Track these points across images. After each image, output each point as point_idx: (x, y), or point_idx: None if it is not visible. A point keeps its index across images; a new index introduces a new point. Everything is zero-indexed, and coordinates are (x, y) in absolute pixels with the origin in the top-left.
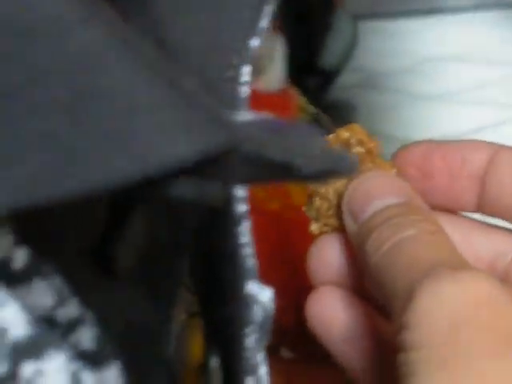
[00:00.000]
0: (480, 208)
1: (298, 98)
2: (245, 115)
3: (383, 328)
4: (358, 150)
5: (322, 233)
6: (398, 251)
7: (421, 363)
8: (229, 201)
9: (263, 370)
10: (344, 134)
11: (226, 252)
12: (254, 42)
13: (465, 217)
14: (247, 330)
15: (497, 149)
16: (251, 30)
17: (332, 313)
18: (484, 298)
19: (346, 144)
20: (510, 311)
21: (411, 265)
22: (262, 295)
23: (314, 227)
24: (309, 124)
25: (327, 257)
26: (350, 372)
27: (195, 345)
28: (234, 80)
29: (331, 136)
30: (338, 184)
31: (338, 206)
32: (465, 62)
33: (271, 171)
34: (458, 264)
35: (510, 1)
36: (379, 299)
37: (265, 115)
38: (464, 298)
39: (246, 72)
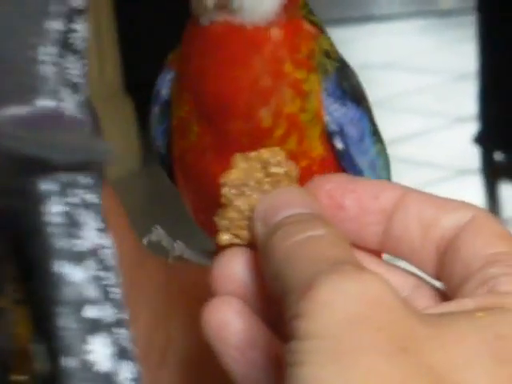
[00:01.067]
0: (383, 246)
1: (316, 37)
2: (5, 111)
3: (275, 344)
4: (278, 170)
5: (231, 244)
6: (303, 246)
7: (312, 353)
8: (29, 183)
9: (94, 353)
10: (265, 153)
11: (31, 230)
12: (53, 25)
13: (366, 251)
14: (58, 310)
15: (407, 191)
16: (45, 12)
17: (227, 321)
18: (382, 299)
19: (266, 163)
20: (402, 316)
21: (316, 258)
22: (72, 275)
23: (225, 237)
24: (80, 116)
25: (232, 268)
26: (239, 382)
27: (23, 327)
28: (34, 60)
29: (253, 154)
30: (252, 198)
31: (250, 220)
32: (395, 70)
33: (30, 165)
34: (362, 266)
35: (442, 9)
36: (276, 295)
37: (33, 109)
38: (364, 297)
39: (45, 52)
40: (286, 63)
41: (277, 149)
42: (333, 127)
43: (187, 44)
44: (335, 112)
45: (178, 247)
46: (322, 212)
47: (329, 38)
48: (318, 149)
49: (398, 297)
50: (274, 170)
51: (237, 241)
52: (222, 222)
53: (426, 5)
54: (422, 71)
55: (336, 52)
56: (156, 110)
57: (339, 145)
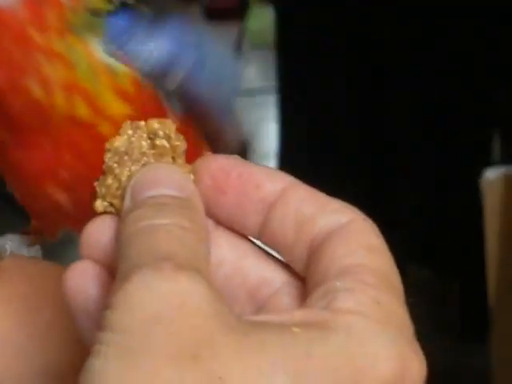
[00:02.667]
0: (260, 235)
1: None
2: None
3: None
4: (163, 142)
5: (105, 212)
6: (145, 233)
7: (105, 345)
8: None
9: None
10: (154, 124)
11: None
12: None
13: (246, 239)
14: None
15: (292, 185)
16: None
17: (85, 286)
18: (189, 302)
19: (154, 134)
20: (205, 321)
21: (144, 250)
22: None
23: (99, 204)
24: None
25: (100, 235)
26: (86, 344)
27: None
28: None
29: (142, 123)
30: (133, 168)
31: (125, 191)
32: None
33: None
34: (186, 264)
35: (246, 88)
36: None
37: None
38: (170, 297)
39: None
40: (31, 31)
41: (168, 121)
42: (146, 71)
43: None
44: (138, 50)
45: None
46: (195, 196)
47: None
48: (130, 92)
49: (210, 302)
50: (158, 142)
51: (111, 209)
52: (100, 189)
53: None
54: None
55: (106, 1)
56: None
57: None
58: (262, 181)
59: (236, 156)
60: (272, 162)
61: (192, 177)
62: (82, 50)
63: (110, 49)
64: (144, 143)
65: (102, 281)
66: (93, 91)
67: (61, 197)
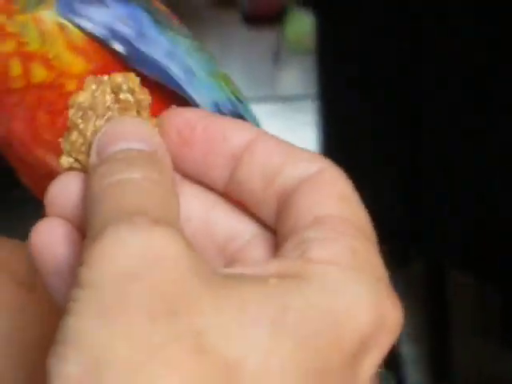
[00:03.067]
0: (227, 188)
1: None
2: None
3: None
4: (127, 96)
5: (71, 168)
6: (115, 188)
7: (80, 302)
8: None
9: None
10: (118, 78)
11: None
12: None
13: (214, 193)
14: None
15: (259, 135)
16: None
17: (53, 244)
18: (165, 257)
19: (117, 88)
20: (182, 275)
21: (114, 205)
22: None
23: (64, 160)
24: None
25: (67, 192)
26: (58, 304)
27: None
28: None
29: (106, 78)
30: (97, 123)
31: (91, 146)
32: None
33: None
34: (160, 218)
35: (282, 95)
36: (84, 230)
37: None
38: (146, 252)
39: None
40: None
41: (131, 75)
42: (95, 29)
43: None
44: (91, 15)
45: None
46: (161, 149)
47: None
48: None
49: (187, 255)
50: (122, 96)
51: (77, 165)
52: (64, 145)
53: (269, 90)
54: None
55: None
56: None
57: (118, 47)
58: (229, 133)
59: (200, 109)
60: None
61: (156, 128)
62: (32, 23)
63: (61, 14)
64: (108, 97)
65: (71, 238)
66: (50, 55)
67: (51, 160)
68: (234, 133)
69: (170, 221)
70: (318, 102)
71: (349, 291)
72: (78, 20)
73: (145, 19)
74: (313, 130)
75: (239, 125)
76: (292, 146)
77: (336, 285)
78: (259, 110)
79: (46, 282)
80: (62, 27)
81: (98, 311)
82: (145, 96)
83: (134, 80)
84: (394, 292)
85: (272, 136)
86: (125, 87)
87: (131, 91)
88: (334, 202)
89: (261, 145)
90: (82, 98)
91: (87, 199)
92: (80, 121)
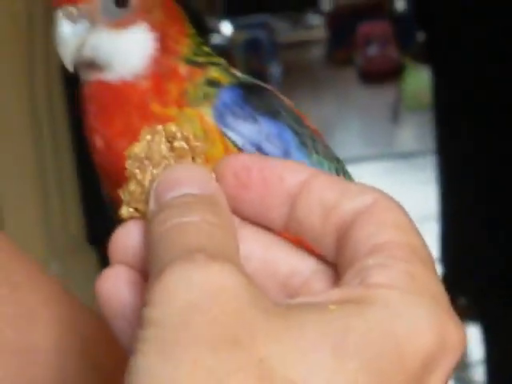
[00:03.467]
0: (287, 228)
1: (191, 76)
2: None
3: None
4: (182, 144)
5: (131, 217)
6: (175, 231)
7: (147, 341)
8: None
9: None
10: (172, 127)
11: None
12: None
13: (271, 233)
14: None
15: (314, 173)
16: None
17: (118, 290)
18: (225, 289)
19: (172, 137)
20: (243, 307)
21: (175, 245)
22: None
23: (124, 210)
24: None
25: (128, 240)
26: (125, 348)
27: None
28: None
29: (160, 127)
30: (155, 172)
31: (149, 194)
32: None
33: None
34: (219, 254)
35: (402, 151)
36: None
37: None
38: (206, 286)
39: None
40: (154, 106)
41: (186, 125)
42: (245, 146)
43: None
44: (242, 130)
45: None
46: (218, 192)
47: (219, 65)
48: None
49: (245, 288)
50: (177, 144)
51: (136, 215)
52: (124, 196)
53: (386, 147)
54: None
55: (228, 75)
56: None
57: None
58: (284, 173)
59: (254, 153)
60: (433, 224)
61: (213, 175)
62: (197, 118)
63: (218, 117)
64: (163, 147)
65: (135, 283)
66: (209, 154)
67: None
68: (290, 173)
69: (229, 257)
70: (437, 157)
71: (409, 314)
72: (230, 134)
73: (291, 140)
74: (432, 186)
75: (294, 165)
76: (346, 181)
77: (396, 308)
78: (377, 168)
79: (111, 325)
80: (220, 132)
81: (163, 348)
82: (199, 143)
83: (187, 129)
84: (455, 314)
85: (326, 173)
86: (179, 135)
87: (185, 139)
88: (390, 229)
89: (316, 182)
90: (138, 148)
91: (149, 244)
92: (137, 171)
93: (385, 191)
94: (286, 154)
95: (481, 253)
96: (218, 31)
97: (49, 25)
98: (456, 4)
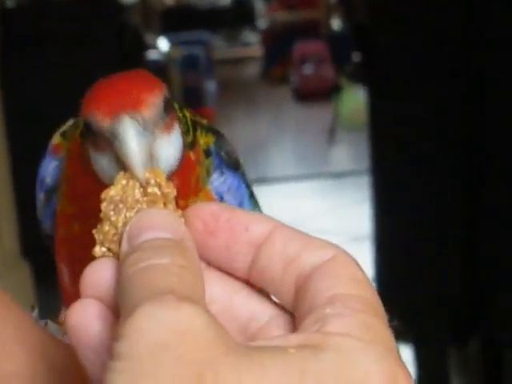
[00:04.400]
0: (250, 276)
1: (199, 159)
2: None
3: None
4: (155, 190)
5: (103, 256)
6: (146, 272)
7: (116, 373)
8: None
9: None
10: (146, 174)
11: None
12: None
13: (235, 278)
14: None
15: (278, 226)
16: None
17: (87, 322)
18: (192, 329)
19: (146, 183)
20: (208, 345)
21: (145, 287)
22: None
23: (97, 250)
24: None
25: (99, 276)
26: (92, 377)
27: None
28: None
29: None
30: (128, 215)
31: (122, 236)
32: None
33: None
34: (187, 297)
35: (335, 171)
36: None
37: None
38: (174, 326)
39: None
40: (179, 201)
41: (159, 170)
42: (215, 195)
43: (73, 166)
44: (215, 181)
45: (50, 327)
46: (187, 237)
47: (203, 128)
48: None
49: (212, 328)
50: (150, 190)
51: (109, 254)
52: (97, 236)
53: (321, 166)
54: (316, 233)
55: (208, 132)
56: (41, 196)
57: None
58: (250, 224)
59: (223, 203)
60: (367, 244)
61: (182, 219)
62: (206, 199)
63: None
64: (137, 191)
65: (103, 316)
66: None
67: None
68: (255, 224)
69: (196, 299)
70: (371, 177)
71: (362, 359)
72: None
73: (245, 193)
74: (366, 205)
75: (260, 217)
76: (307, 235)
77: (350, 354)
78: (312, 187)
79: (80, 356)
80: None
81: (133, 380)
82: (171, 190)
83: (160, 175)
84: (403, 362)
85: (289, 227)
86: (152, 182)
87: (158, 185)
88: (347, 282)
89: (279, 234)
90: (114, 191)
91: (119, 283)
92: (112, 213)
93: (319, 210)
94: (240, 206)
95: (414, 273)
96: (154, 47)
97: None
98: (392, 24)
